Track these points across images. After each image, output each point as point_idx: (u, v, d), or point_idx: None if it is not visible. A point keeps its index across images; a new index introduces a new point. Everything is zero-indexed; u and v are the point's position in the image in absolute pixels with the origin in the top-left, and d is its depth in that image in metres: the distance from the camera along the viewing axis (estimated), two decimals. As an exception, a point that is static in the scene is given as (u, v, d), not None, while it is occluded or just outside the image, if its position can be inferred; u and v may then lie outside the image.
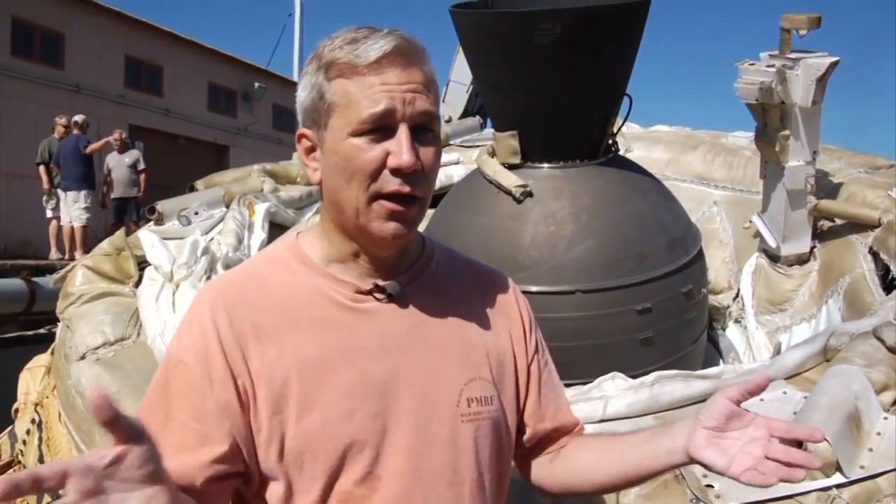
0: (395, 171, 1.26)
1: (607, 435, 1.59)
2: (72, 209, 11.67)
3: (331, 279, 1.36)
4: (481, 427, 1.39)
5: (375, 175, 1.26)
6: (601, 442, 1.59)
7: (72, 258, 11.16)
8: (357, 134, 1.26)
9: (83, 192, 11.66)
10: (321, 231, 1.40)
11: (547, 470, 1.57)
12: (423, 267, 1.44)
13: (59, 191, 11.97)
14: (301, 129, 1.36)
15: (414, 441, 1.32)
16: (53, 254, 12.26)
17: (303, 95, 1.34)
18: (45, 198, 12.33)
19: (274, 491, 1.30)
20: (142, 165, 12.66)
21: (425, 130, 1.30)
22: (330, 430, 1.28)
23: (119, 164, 12.59)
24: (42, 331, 7.73)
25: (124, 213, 12.55)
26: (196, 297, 1.38)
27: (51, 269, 10.05)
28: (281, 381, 1.29)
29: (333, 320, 1.33)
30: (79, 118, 11.99)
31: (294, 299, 1.34)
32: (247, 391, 1.29)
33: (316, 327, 1.32)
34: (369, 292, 1.36)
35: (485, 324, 1.46)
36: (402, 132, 1.26)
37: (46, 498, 3.06)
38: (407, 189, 1.27)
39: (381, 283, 1.36)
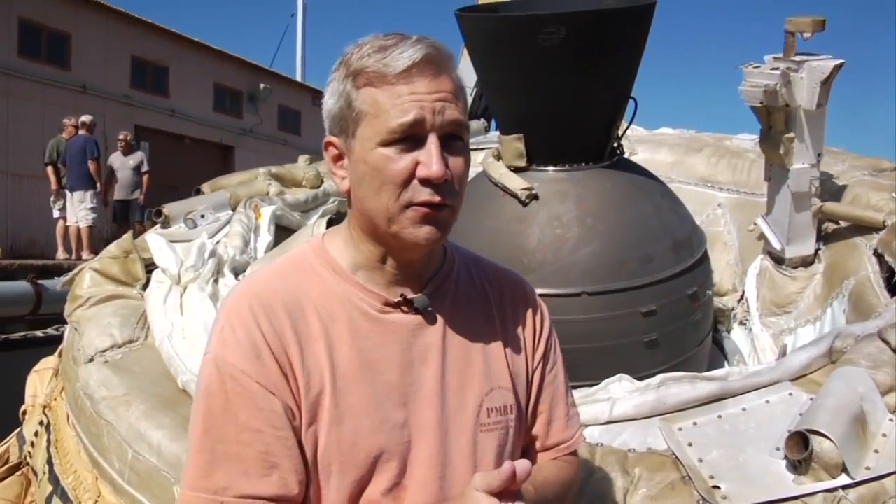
0: (425, 182, 1.25)
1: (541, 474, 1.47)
2: (78, 209, 11.69)
3: (359, 288, 1.35)
4: (500, 436, 1.40)
5: (405, 185, 1.25)
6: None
7: (78, 258, 11.19)
8: (386, 143, 1.25)
9: (89, 193, 11.67)
10: (348, 237, 1.39)
11: None
12: (446, 274, 1.44)
13: (65, 191, 11.98)
14: (328, 137, 1.35)
15: (437, 451, 1.33)
16: (60, 254, 12.27)
17: (330, 103, 1.32)
18: (52, 198, 12.35)
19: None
20: (145, 167, 12.66)
21: (454, 139, 1.29)
22: (360, 441, 1.28)
23: (123, 166, 12.61)
24: (50, 330, 7.74)
25: (126, 215, 12.57)
26: (230, 303, 1.34)
27: (57, 269, 10.08)
28: (317, 389, 1.28)
29: (362, 331, 1.33)
30: (86, 118, 12.00)
31: (325, 307, 1.33)
32: (294, 396, 1.28)
33: (346, 337, 1.32)
34: (396, 305, 1.35)
35: (504, 331, 1.47)
36: (432, 142, 1.25)
37: (56, 499, 3.08)
38: (437, 199, 1.26)
39: (408, 295, 1.36)
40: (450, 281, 1.44)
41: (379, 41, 1.28)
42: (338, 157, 1.35)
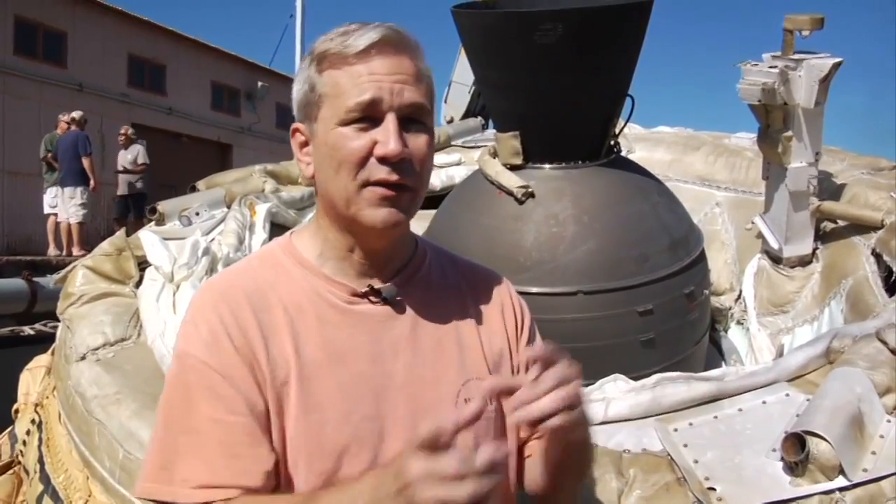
0: (382, 160, 1.25)
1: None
2: (68, 206, 11.69)
3: (326, 280, 1.35)
4: (479, 428, 1.36)
5: (362, 163, 1.26)
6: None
7: (69, 254, 11.19)
8: (344, 123, 1.26)
9: (79, 189, 11.66)
10: (316, 228, 1.39)
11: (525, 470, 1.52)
12: (416, 267, 1.43)
13: (56, 187, 11.96)
14: (294, 124, 1.38)
15: (410, 444, 1.31)
16: (52, 250, 12.27)
17: (296, 90, 1.36)
18: (45, 185, 12.31)
19: None
20: (142, 160, 12.69)
21: (414, 122, 1.29)
22: (327, 433, 1.27)
23: (123, 161, 12.68)
24: (38, 325, 7.71)
25: (128, 210, 12.61)
26: (195, 298, 1.36)
27: (48, 265, 10.06)
28: (282, 380, 1.27)
29: (329, 322, 1.32)
30: (76, 114, 11.99)
31: (291, 300, 1.32)
32: (259, 388, 1.27)
33: (313, 328, 1.31)
34: (364, 295, 1.35)
35: (480, 323, 1.45)
36: (390, 121, 1.26)
37: (46, 499, 3.06)
38: (395, 178, 1.26)
39: (376, 285, 1.35)
40: (421, 272, 1.43)
41: (343, 28, 1.31)
42: (304, 144, 1.37)
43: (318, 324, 1.31)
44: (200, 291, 1.38)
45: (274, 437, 1.27)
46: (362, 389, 1.30)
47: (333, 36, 1.29)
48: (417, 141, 1.29)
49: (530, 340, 1.54)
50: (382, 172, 1.26)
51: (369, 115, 1.26)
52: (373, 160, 1.26)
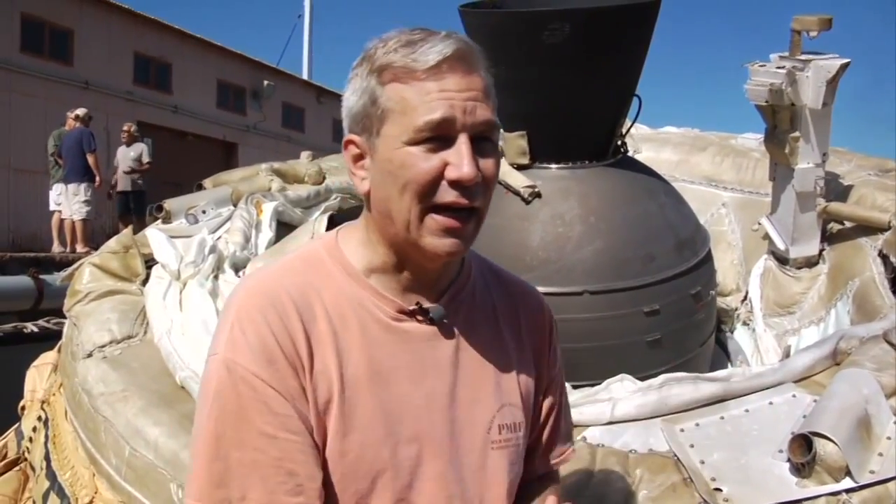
0: (454, 184, 1.19)
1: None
2: (72, 202, 11.65)
3: (373, 293, 1.29)
4: (511, 454, 1.36)
5: (431, 186, 1.19)
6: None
7: (73, 251, 11.19)
8: (413, 143, 1.19)
9: (83, 185, 11.62)
10: (365, 239, 1.32)
11: None
12: (463, 284, 1.38)
13: (61, 184, 11.96)
14: (349, 136, 1.28)
15: (446, 468, 1.28)
16: (56, 247, 12.27)
17: (352, 100, 1.26)
18: (51, 182, 12.31)
19: None
20: (146, 158, 12.66)
21: (485, 140, 1.23)
22: (365, 454, 1.23)
23: (125, 158, 12.65)
24: (42, 322, 7.73)
25: (129, 207, 12.59)
26: (239, 301, 1.27)
27: (52, 262, 10.05)
28: (325, 397, 1.22)
29: (374, 338, 1.27)
30: (80, 111, 11.94)
31: (336, 310, 1.26)
32: (307, 401, 1.22)
33: (357, 343, 1.26)
34: (412, 313, 1.30)
35: (518, 347, 1.42)
36: (462, 142, 1.19)
37: (52, 495, 3.07)
38: (465, 202, 1.20)
39: (424, 304, 1.30)
40: (466, 291, 1.38)
41: (406, 36, 1.22)
42: (358, 157, 1.28)
43: (361, 339, 1.26)
44: (243, 291, 1.29)
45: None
46: (403, 411, 1.25)
47: (397, 46, 1.20)
48: (488, 162, 1.23)
49: (560, 369, 1.51)
50: (452, 196, 1.19)
51: (439, 135, 1.18)
52: (443, 183, 1.19)
